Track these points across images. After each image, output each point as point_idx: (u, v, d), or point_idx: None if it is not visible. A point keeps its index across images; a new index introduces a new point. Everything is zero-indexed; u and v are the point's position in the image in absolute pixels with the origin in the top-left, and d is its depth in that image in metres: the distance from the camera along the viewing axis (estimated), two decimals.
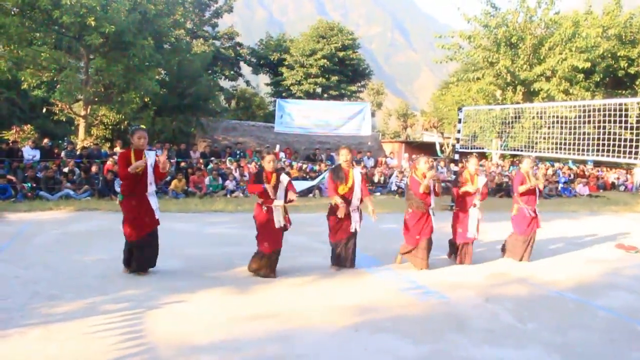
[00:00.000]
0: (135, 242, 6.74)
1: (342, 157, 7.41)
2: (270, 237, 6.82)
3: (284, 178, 6.99)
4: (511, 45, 26.66)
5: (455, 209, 8.35)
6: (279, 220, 6.84)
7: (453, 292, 6.55)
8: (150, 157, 6.81)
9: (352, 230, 7.30)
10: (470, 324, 5.44)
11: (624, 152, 10.80)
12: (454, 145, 16.69)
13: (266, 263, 6.87)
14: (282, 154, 21.14)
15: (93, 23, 16.25)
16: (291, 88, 36.99)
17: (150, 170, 6.77)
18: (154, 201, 6.86)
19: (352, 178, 7.32)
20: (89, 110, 19.72)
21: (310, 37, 38.05)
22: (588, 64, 25.52)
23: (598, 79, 29.09)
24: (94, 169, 16.14)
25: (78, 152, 17.54)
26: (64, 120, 21.79)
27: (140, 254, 6.79)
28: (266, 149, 15.33)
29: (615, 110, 11.66)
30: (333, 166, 7.77)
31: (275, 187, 6.85)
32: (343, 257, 7.43)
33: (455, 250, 8.40)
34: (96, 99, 19.88)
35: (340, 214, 7.08)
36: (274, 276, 6.90)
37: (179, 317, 5.25)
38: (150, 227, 6.80)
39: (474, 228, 8.11)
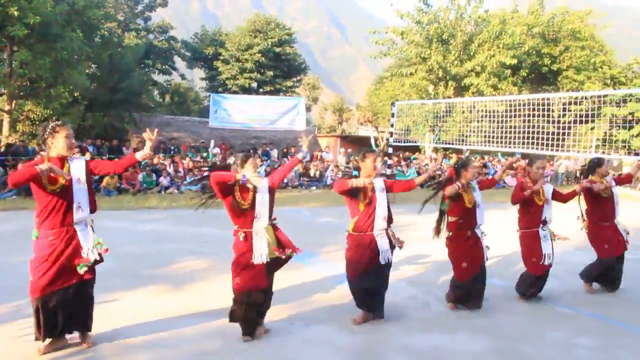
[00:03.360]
0: (42, 298, 4.17)
1: (369, 165, 5.30)
2: (243, 271, 4.69)
3: (263, 184, 4.81)
4: (443, 42, 27.38)
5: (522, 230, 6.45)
6: (260, 254, 4.66)
7: None
8: (77, 166, 4.42)
9: (383, 261, 5.22)
10: (403, 313, 5.62)
11: (547, 145, 11.32)
12: (387, 139, 17.00)
13: (238, 307, 4.73)
14: (217, 150, 20.95)
15: (16, 13, 15.53)
16: (227, 83, 36.57)
17: (77, 187, 4.33)
18: (85, 236, 4.41)
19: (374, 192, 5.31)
20: (13, 105, 18.88)
21: (247, 31, 37.71)
22: (514, 61, 26.68)
23: (524, 75, 30.46)
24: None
25: (2, 149, 16.77)
26: None
27: (51, 316, 4.24)
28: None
29: (540, 105, 12.21)
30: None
31: (252, 203, 4.72)
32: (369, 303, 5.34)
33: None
34: (22, 94, 19.09)
35: (361, 182, 5.11)
36: (249, 338, 4.76)
37: (113, 316, 5.16)
38: (72, 278, 4.29)
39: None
